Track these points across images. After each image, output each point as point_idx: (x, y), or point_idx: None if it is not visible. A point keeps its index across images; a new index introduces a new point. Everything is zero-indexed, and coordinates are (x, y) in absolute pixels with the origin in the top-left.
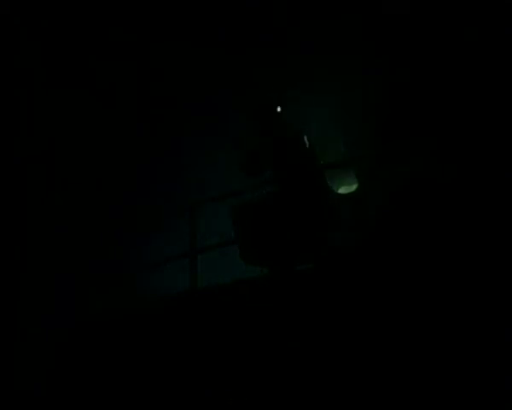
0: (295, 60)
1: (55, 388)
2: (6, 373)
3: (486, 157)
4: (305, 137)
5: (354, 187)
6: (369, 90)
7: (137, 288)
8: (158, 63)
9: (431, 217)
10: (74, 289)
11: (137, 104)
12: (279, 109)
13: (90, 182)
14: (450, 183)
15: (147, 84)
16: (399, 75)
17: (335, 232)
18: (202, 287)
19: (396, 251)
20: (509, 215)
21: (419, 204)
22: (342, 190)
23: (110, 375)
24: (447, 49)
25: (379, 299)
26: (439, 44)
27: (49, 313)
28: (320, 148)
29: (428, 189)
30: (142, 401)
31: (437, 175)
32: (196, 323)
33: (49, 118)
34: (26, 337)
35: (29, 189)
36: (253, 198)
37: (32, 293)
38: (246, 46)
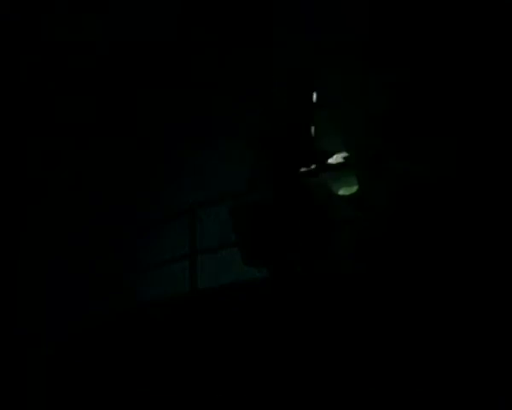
0: (295, 58)
1: (55, 389)
2: (5, 375)
3: (487, 157)
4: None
5: (354, 188)
6: (370, 89)
7: (137, 290)
8: (158, 65)
9: (432, 218)
10: (74, 291)
11: (137, 105)
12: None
13: (90, 184)
14: (450, 183)
15: (147, 85)
16: (401, 74)
17: (334, 233)
18: (202, 288)
19: (397, 252)
20: (509, 216)
21: (420, 205)
22: (342, 192)
23: (109, 377)
24: (449, 49)
25: (380, 301)
26: (441, 44)
27: (48, 315)
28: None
29: (429, 189)
30: (143, 403)
31: (438, 175)
32: (196, 324)
33: (50, 118)
34: (25, 339)
35: (28, 192)
36: (252, 200)
37: (31, 294)
38: (245, 47)
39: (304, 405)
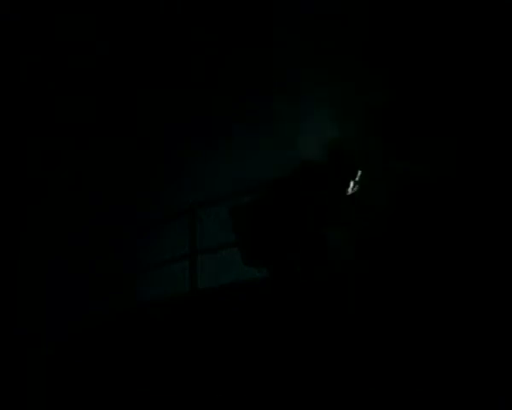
0: (296, 58)
1: (55, 389)
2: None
3: (487, 157)
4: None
5: (355, 188)
6: (371, 88)
7: (137, 290)
8: (158, 65)
9: (432, 218)
10: (74, 291)
11: (137, 105)
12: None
13: (90, 184)
14: (450, 183)
15: (147, 85)
16: (401, 74)
17: (333, 231)
18: (202, 288)
19: (397, 252)
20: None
21: (420, 205)
22: None
23: (109, 377)
24: (450, 48)
25: (380, 301)
26: (442, 43)
27: (48, 315)
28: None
29: (429, 189)
30: (143, 403)
31: (438, 175)
32: (196, 324)
33: (50, 118)
34: (25, 339)
35: (28, 192)
36: (251, 199)
37: (31, 294)
38: (245, 47)
39: (304, 405)
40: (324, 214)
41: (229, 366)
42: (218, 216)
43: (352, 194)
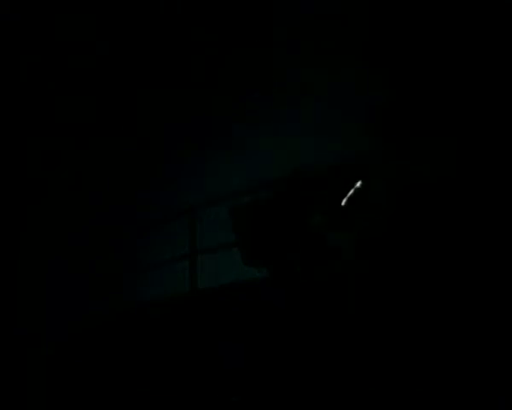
0: (296, 59)
1: (55, 389)
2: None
3: (487, 157)
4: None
5: (355, 187)
6: (372, 89)
7: (137, 290)
8: (158, 65)
9: (432, 218)
10: (74, 291)
11: (137, 105)
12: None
13: (90, 184)
14: (450, 183)
15: (147, 85)
16: (402, 75)
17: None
18: (202, 288)
19: (397, 252)
20: (509, 215)
21: (420, 205)
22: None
23: (109, 377)
24: (450, 48)
25: (380, 301)
26: (442, 43)
27: (48, 315)
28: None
29: (429, 189)
30: (143, 403)
31: (438, 175)
32: (196, 324)
33: (50, 118)
34: (25, 339)
35: (28, 192)
36: (251, 200)
37: (31, 294)
38: (245, 47)
39: (304, 404)
40: (324, 215)
41: (229, 366)
42: (218, 216)
43: (353, 195)
